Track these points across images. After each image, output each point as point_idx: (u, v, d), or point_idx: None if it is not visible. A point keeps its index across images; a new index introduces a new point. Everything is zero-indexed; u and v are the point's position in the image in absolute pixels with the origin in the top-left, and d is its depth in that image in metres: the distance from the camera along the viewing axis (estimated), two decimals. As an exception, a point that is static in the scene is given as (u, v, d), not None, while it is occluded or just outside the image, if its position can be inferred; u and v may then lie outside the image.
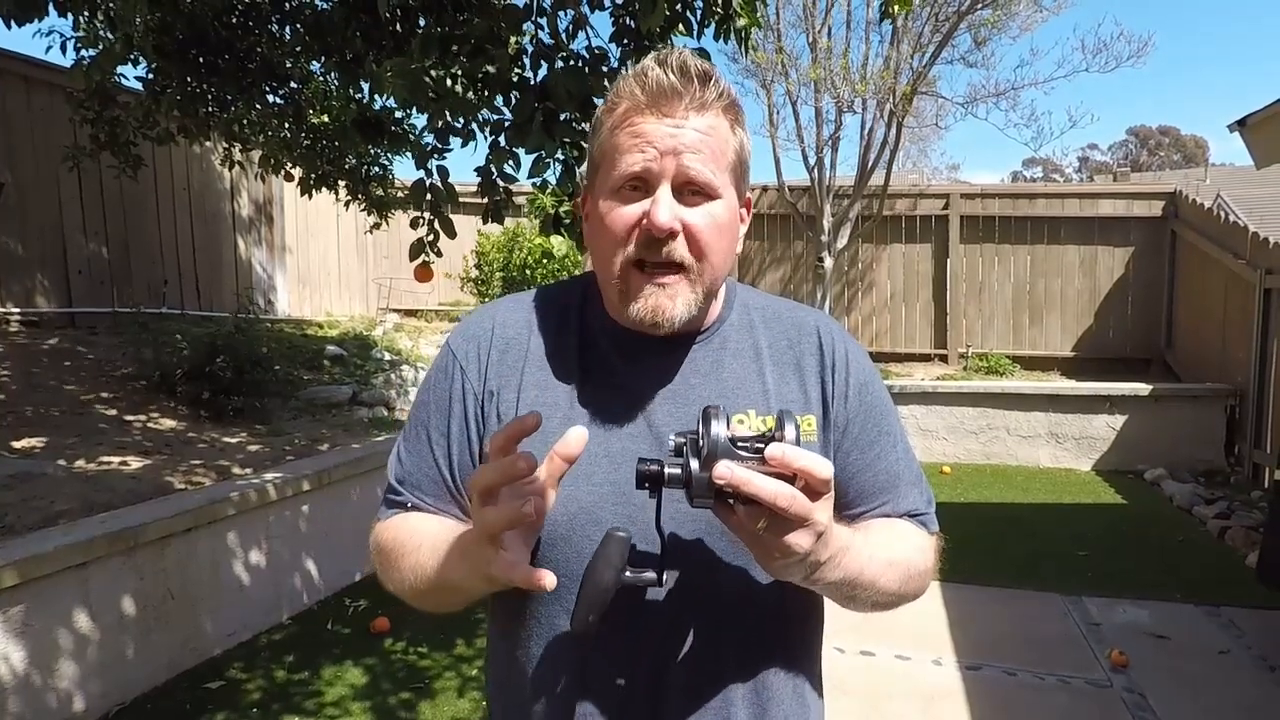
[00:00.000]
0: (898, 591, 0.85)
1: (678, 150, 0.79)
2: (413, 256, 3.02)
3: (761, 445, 0.67)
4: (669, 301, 0.82)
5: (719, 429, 0.67)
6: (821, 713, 0.97)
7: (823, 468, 0.66)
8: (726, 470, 0.64)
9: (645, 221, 0.79)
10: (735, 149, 0.84)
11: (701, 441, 0.67)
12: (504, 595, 0.90)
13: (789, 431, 0.67)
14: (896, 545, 0.87)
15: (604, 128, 0.84)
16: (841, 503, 0.91)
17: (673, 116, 0.79)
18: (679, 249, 0.80)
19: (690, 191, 0.81)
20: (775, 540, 0.67)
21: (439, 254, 3.09)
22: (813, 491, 0.66)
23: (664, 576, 0.74)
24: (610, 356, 0.89)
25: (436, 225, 3.03)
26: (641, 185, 0.80)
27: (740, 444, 0.67)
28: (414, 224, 2.99)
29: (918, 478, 0.96)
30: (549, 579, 0.68)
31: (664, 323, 0.82)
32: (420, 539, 0.84)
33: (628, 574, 0.72)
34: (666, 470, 0.68)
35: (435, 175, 2.83)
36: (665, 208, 0.78)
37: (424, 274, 3.28)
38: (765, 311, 0.96)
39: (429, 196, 2.84)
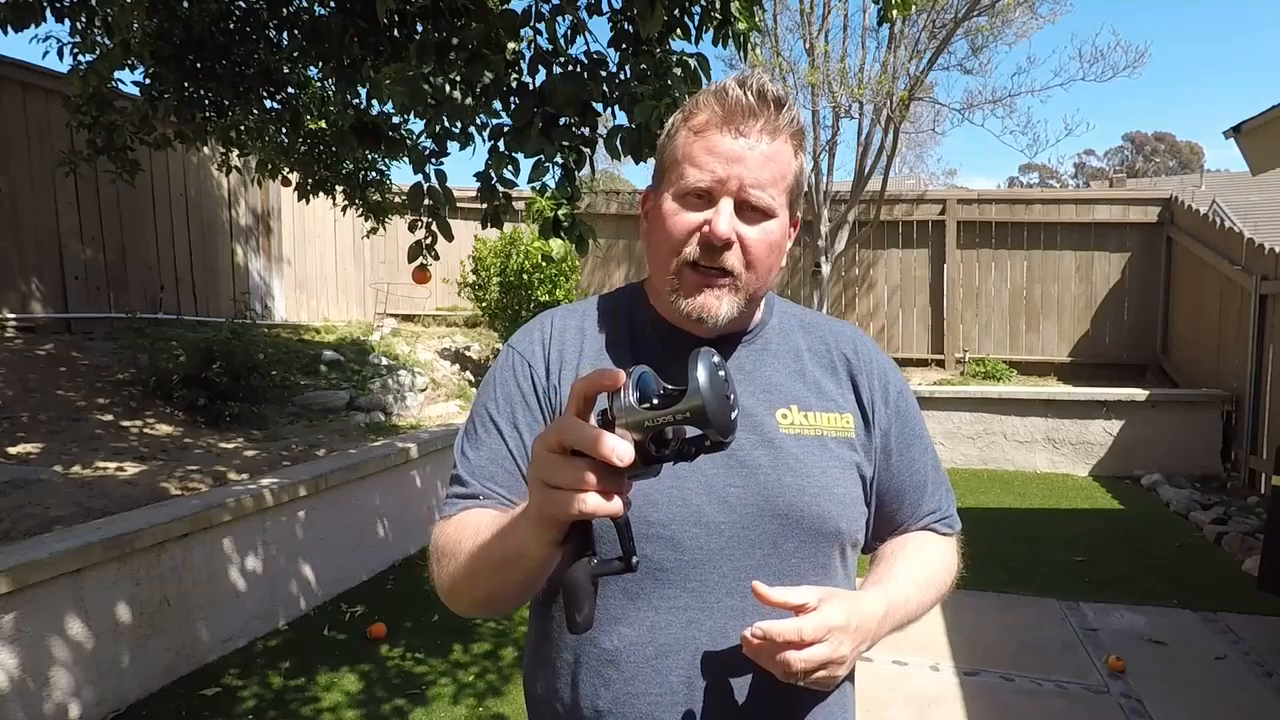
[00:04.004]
0: (932, 605, 0.97)
1: (744, 174, 0.86)
2: (411, 259, 3.04)
3: (671, 415, 0.63)
4: (715, 302, 0.89)
5: (627, 397, 0.64)
6: (852, 698, 1.01)
7: (795, 632, 0.76)
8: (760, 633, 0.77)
9: (706, 229, 0.87)
10: (794, 172, 0.91)
11: (611, 410, 0.65)
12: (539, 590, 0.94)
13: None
14: (927, 564, 0.97)
15: (679, 134, 0.91)
16: (878, 502, 1.00)
17: (746, 136, 0.87)
18: (732, 258, 0.88)
19: (749, 209, 0.88)
20: (821, 679, 0.79)
21: (436, 256, 3.11)
22: (806, 642, 0.76)
23: (633, 560, 0.73)
24: (659, 352, 0.96)
25: (435, 228, 3.04)
26: (706, 196, 0.88)
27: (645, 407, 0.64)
28: (412, 227, 3.00)
29: (943, 477, 1.06)
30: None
31: (709, 320, 0.90)
32: (487, 522, 0.84)
33: (594, 562, 0.72)
34: None
35: (434, 179, 2.83)
36: (726, 220, 0.86)
37: (421, 276, 3.31)
38: (803, 319, 1.05)
39: (427, 200, 2.84)
